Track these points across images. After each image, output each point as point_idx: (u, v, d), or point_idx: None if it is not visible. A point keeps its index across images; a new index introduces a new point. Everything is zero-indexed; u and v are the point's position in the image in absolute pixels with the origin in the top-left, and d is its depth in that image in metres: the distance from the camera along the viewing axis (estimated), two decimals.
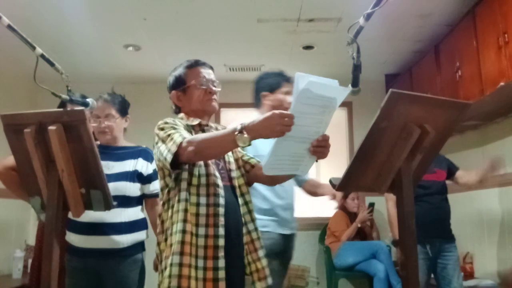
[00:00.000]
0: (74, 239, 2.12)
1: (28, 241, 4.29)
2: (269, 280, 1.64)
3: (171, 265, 1.45)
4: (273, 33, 3.64)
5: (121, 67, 4.35)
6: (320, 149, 1.41)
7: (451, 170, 3.04)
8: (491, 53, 2.72)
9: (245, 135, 1.32)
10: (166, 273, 1.46)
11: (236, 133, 1.33)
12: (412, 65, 4.09)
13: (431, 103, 1.37)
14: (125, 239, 2.12)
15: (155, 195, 2.28)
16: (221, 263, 1.49)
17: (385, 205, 3.43)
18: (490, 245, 3.41)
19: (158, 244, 1.59)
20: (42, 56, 1.69)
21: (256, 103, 2.44)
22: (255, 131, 1.32)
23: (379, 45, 3.84)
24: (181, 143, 1.45)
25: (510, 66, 2.54)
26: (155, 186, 2.27)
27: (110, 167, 2.16)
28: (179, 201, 1.53)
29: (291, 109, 1.29)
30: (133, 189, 2.19)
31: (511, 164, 3.17)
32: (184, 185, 1.54)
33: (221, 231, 1.52)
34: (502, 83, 2.60)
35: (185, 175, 1.55)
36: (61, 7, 3.10)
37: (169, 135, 1.52)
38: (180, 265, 1.45)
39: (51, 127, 1.34)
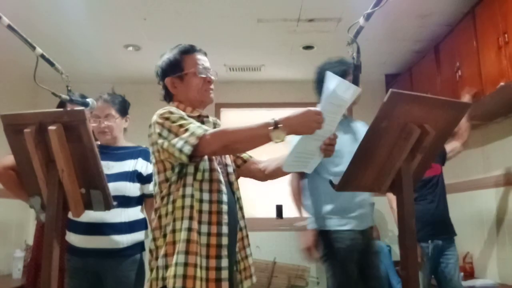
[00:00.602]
0: (74, 239, 2.12)
1: (28, 241, 4.28)
2: (254, 279, 1.63)
3: (176, 264, 1.40)
4: (273, 33, 3.64)
5: (121, 67, 4.35)
6: (330, 147, 1.43)
7: (443, 156, 3.01)
8: (491, 53, 2.72)
9: (281, 130, 1.29)
10: (171, 272, 1.40)
11: (271, 127, 1.30)
12: (412, 65, 4.09)
13: (431, 103, 1.37)
14: (125, 239, 2.12)
15: None
16: (224, 262, 1.46)
17: (385, 205, 3.42)
18: (490, 245, 3.41)
19: (154, 239, 1.52)
20: (42, 56, 1.69)
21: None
22: (291, 127, 1.30)
23: (379, 45, 3.84)
24: (203, 135, 1.39)
25: (510, 66, 2.54)
26: None
27: (110, 167, 2.16)
28: (183, 196, 1.47)
29: (321, 107, 1.31)
30: (133, 189, 2.19)
31: (511, 164, 3.18)
32: (189, 180, 1.48)
33: (225, 229, 1.49)
34: (502, 83, 2.60)
35: (190, 169, 1.49)
36: (61, 7, 3.10)
37: (181, 125, 1.44)
38: (186, 264, 1.40)
39: (51, 127, 1.34)
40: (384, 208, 4.03)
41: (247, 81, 4.77)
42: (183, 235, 1.43)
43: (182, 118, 1.48)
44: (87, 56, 4.05)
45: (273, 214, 4.66)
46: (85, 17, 3.29)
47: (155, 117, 1.52)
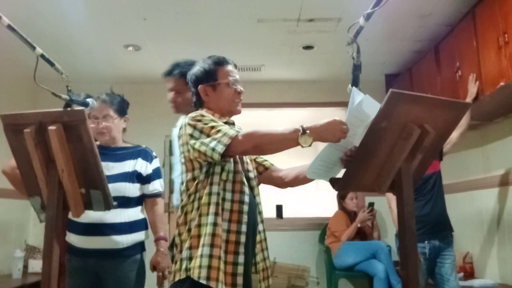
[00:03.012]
0: (74, 239, 2.12)
1: (28, 241, 4.29)
2: (271, 280, 1.70)
3: (201, 256, 1.49)
4: (273, 33, 3.64)
5: (121, 67, 4.35)
6: (350, 158, 1.48)
7: (440, 150, 2.95)
8: (491, 53, 2.72)
9: (308, 136, 1.39)
10: (196, 263, 1.49)
11: (299, 132, 1.40)
12: (412, 65, 4.09)
13: (431, 103, 1.37)
14: (125, 239, 2.12)
15: (155, 195, 2.28)
16: (241, 258, 1.55)
17: (385, 205, 3.42)
18: (490, 245, 3.41)
19: (179, 234, 1.60)
20: (42, 56, 1.69)
21: None
22: (317, 133, 1.40)
23: (379, 45, 3.84)
24: (236, 136, 1.49)
25: (510, 66, 2.54)
26: (155, 186, 2.27)
27: (109, 168, 2.16)
28: (210, 194, 1.56)
29: (346, 119, 1.41)
30: (132, 189, 2.19)
31: (511, 164, 3.18)
32: (216, 179, 1.58)
33: (244, 228, 1.58)
34: (502, 83, 2.60)
35: (217, 169, 1.59)
36: (61, 7, 3.10)
37: (213, 127, 1.55)
38: (211, 256, 1.49)
39: (51, 127, 1.34)
40: (384, 208, 4.03)
41: (247, 81, 4.74)
42: (208, 229, 1.52)
43: (213, 120, 1.59)
44: (87, 56, 4.05)
45: (273, 214, 4.66)
46: (85, 17, 3.29)
47: (186, 120, 1.62)
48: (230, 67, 1.77)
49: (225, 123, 1.69)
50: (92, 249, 2.08)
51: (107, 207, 1.51)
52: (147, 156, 2.28)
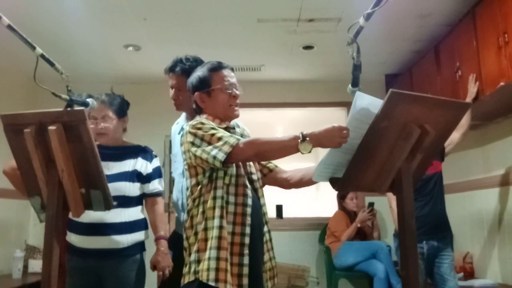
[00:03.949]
0: (74, 239, 2.12)
1: (28, 241, 4.29)
2: (276, 280, 1.74)
3: (209, 258, 1.53)
4: (273, 33, 3.64)
5: (121, 67, 4.35)
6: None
7: (441, 151, 2.97)
8: (491, 53, 2.72)
9: (308, 143, 1.42)
10: (204, 266, 1.53)
11: (300, 140, 1.43)
12: (412, 65, 4.09)
13: (431, 103, 1.37)
14: (125, 239, 2.12)
15: (155, 194, 2.28)
16: (246, 260, 1.58)
17: (385, 205, 3.42)
18: (490, 245, 3.41)
19: (187, 238, 1.64)
20: (42, 56, 1.69)
21: None
22: (317, 140, 1.43)
23: (379, 45, 3.84)
24: (237, 144, 1.53)
25: (510, 66, 2.54)
26: (155, 185, 2.28)
27: (109, 167, 2.16)
28: (214, 198, 1.60)
29: (348, 123, 1.41)
30: (132, 189, 2.19)
31: (511, 164, 3.18)
32: (219, 183, 1.62)
33: (248, 229, 1.61)
34: (502, 83, 2.60)
35: (220, 173, 1.62)
36: (61, 7, 3.10)
37: (213, 134, 1.58)
38: (218, 259, 1.53)
39: (51, 127, 1.34)
40: (384, 208, 4.04)
41: (247, 81, 4.75)
42: (215, 232, 1.55)
43: (213, 128, 1.63)
44: (87, 56, 4.05)
45: (273, 214, 4.66)
46: (85, 17, 3.29)
47: (187, 128, 1.65)
48: (225, 72, 1.79)
49: (226, 128, 1.72)
50: (93, 249, 2.09)
51: (107, 207, 1.52)
52: (147, 155, 2.28)
